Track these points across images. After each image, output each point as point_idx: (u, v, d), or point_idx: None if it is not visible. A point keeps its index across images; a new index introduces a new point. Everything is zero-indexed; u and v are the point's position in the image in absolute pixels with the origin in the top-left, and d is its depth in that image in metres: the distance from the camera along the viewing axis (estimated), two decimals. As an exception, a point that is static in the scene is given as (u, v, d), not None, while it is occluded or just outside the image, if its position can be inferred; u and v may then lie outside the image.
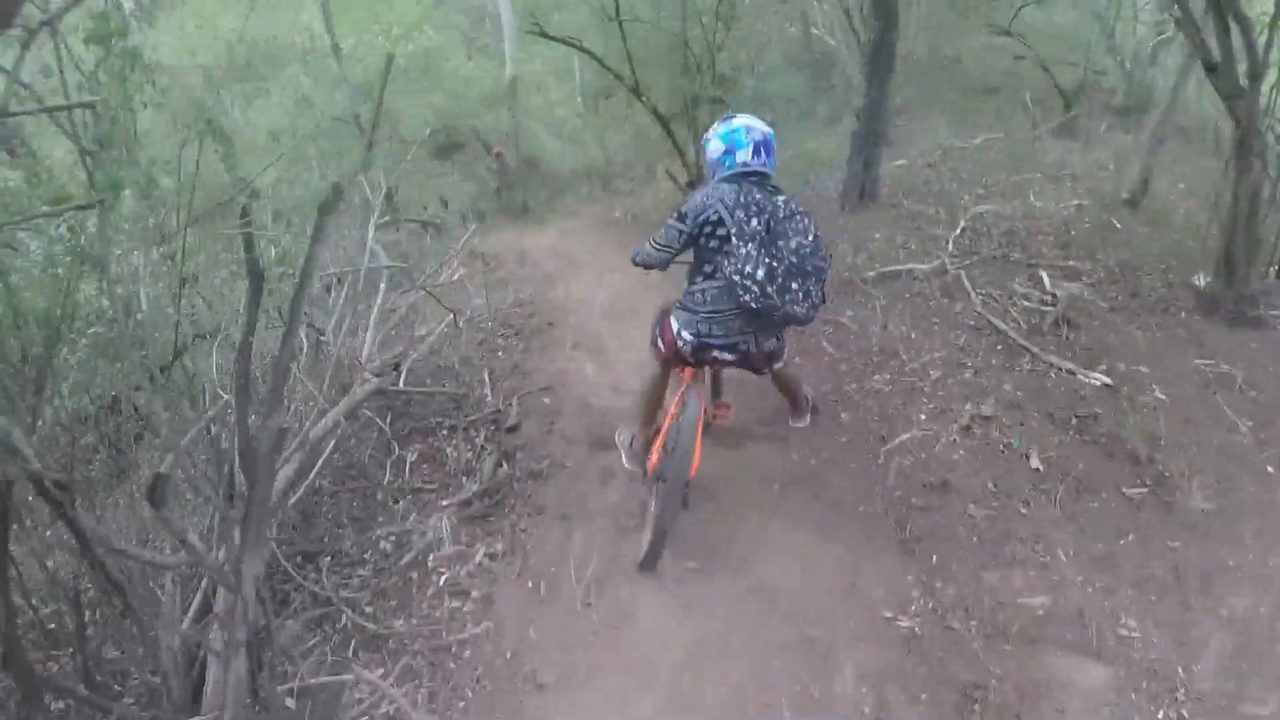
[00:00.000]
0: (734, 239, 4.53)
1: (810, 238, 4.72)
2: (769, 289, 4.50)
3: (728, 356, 5.05)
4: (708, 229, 4.72)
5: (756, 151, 4.83)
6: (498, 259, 12.50)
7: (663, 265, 5.03)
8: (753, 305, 4.55)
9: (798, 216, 4.77)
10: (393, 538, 6.28)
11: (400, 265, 9.71)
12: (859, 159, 11.75)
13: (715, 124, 5.06)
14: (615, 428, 6.77)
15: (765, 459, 6.94)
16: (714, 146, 4.97)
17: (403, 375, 8.11)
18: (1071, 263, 10.03)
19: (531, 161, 16.73)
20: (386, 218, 12.10)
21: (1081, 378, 8.05)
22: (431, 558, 6.09)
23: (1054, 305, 9.00)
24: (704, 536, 5.90)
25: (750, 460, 6.92)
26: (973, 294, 9.37)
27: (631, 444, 5.93)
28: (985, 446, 7.26)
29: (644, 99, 11.82)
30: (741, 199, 4.59)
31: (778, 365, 5.53)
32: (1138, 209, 11.45)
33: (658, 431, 5.46)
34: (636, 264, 5.15)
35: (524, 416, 8.24)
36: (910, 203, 11.97)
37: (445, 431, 8.06)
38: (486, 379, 8.83)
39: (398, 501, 6.73)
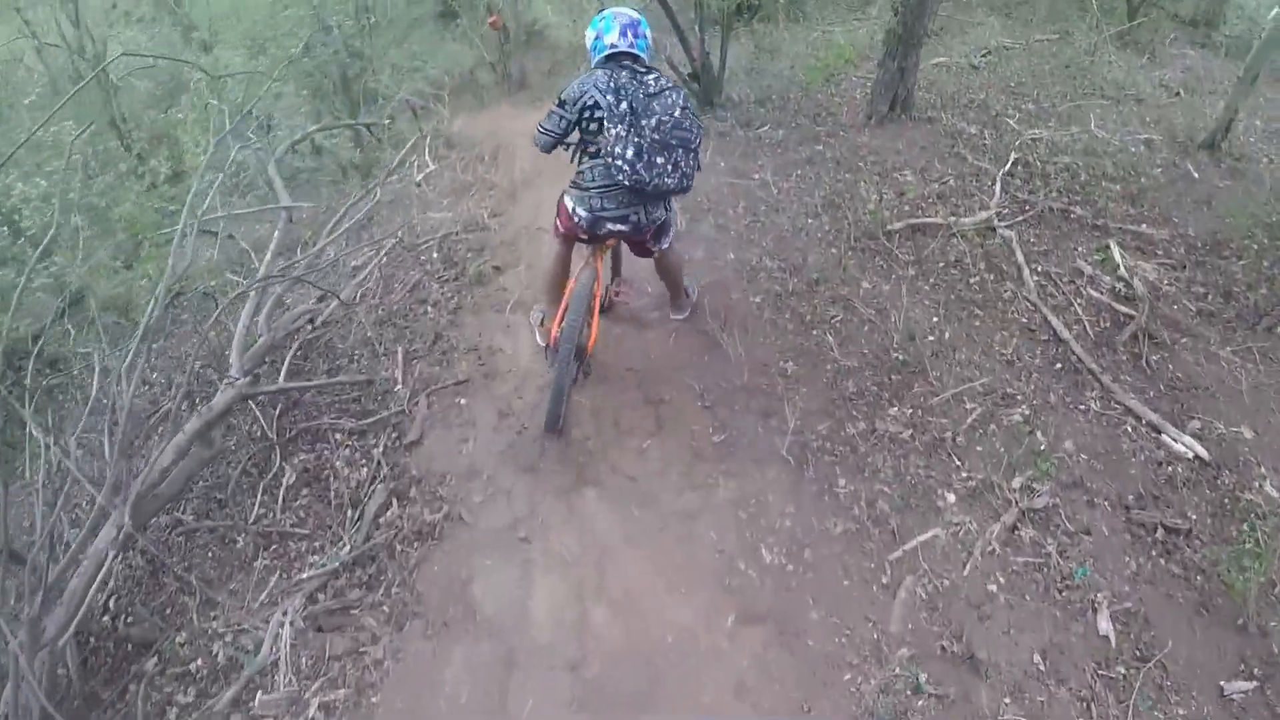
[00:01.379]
0: (605, 122, 4.22)
1: (676, 112, 4.22)
2: (638, 166, 4.24)
3: (621, 227, 4.68)
4: (586, 113, 4.36)
5: (623, 33, 4.38)
6: (473, 152, 9.29)
7: (547, 149, 4.61)
8: (625, 183, 4.31)
9: (665, 93, 4.27)
10: (230, 638, 4.48)
11: (299, 205, 6.53)
12: (894, 62, 8.69)
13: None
14: (541, 456, 5.23)
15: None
16: (589, 35, 4.49)
17: (283, 370, 5.83)
18: (1145, 228, 7.15)
19: (533, 32, 13.15)
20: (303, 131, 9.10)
21: (1169, 440, 5.33)
22: (258, 699, 4.20)
23: (1127, 297, 6.38)
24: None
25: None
26: (1026, 271, 6.57)
27: (543, 322, 5.61)
28: (1036, 575, 4.62)
29: None
30: (612, 83, 4.21)
31: (664, 245, 5.11)
32: (1217, 154, 8.38)
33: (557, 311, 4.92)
34: (537, 147, 4.63)
35: (430, 426, 5.65)
36: (949, 117, 8.82)
37: (339, 436, 5.62)
38: (400, 358, 6.16)
39: (260, 554, 4.93)
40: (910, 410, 5.28)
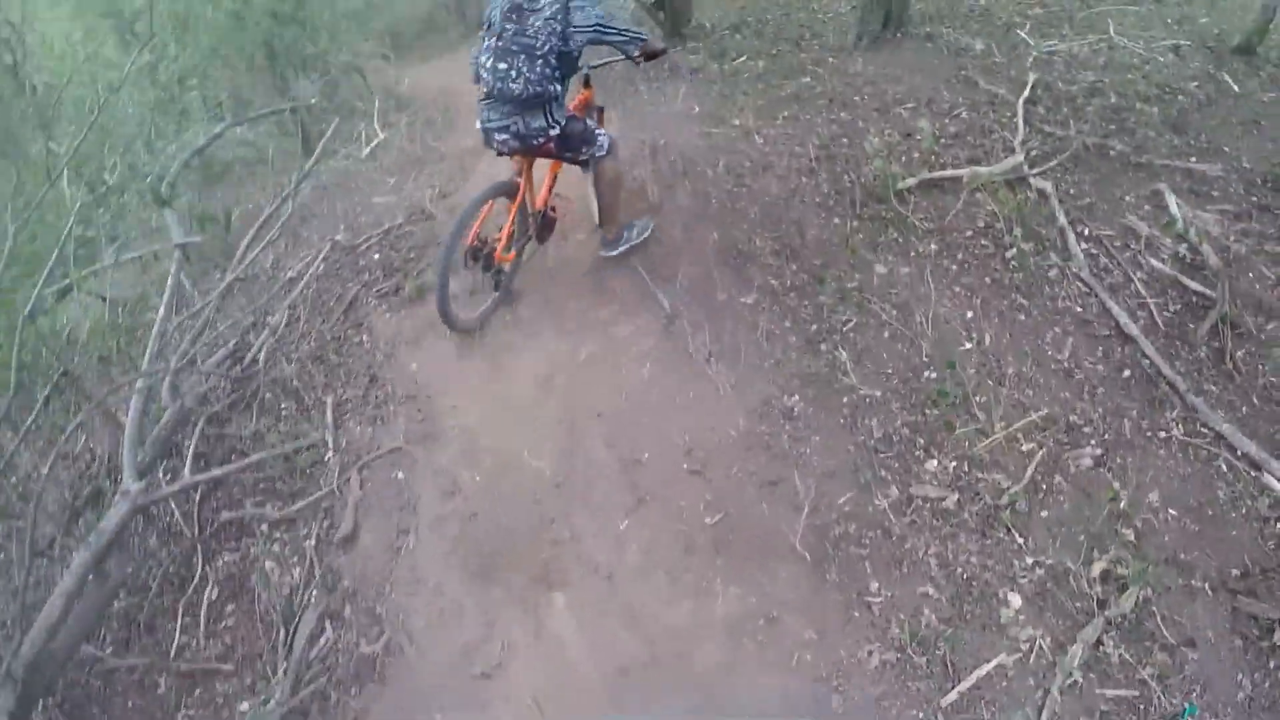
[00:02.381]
0: (483, 37, 4.06)
1: (533, 20, 3.90)
2: (488, 68, 4.00)
3: (505, 137, 4.19)
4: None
5: None
6: (424, 114, 7.41)
7: (474, 77, 4.25)
8: (484, 88, 4.09)
9: (541, 8, 3.92)
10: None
11: (192, 240, 4.78)
12: (884, -28, 6.36)
13: None
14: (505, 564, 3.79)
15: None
16: None
17: (188, 454, 4.36)
18: (1195, 162, 5.38)
19: None
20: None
21: (1272, 482, 3.76)
22: None
23: (1195, 266, 4.69)
24: None
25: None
26: (1071, 236, 4.87)
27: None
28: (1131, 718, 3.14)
29: None
30: (500, 9, 3.96)
31: (583, 155, 4.47)
32: (1254, 61, 6.52)
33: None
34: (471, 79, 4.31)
35: (365, 513, 4.19)
36: (950, 31, 6.98)
37: (265, 529, 4.24)
38: (329, 412, 4.67)
39: (184, 701, 3.70)
40: (954, 463, 3.70)
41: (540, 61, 3.98)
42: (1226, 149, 5.53)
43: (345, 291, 5.39)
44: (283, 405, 4.74)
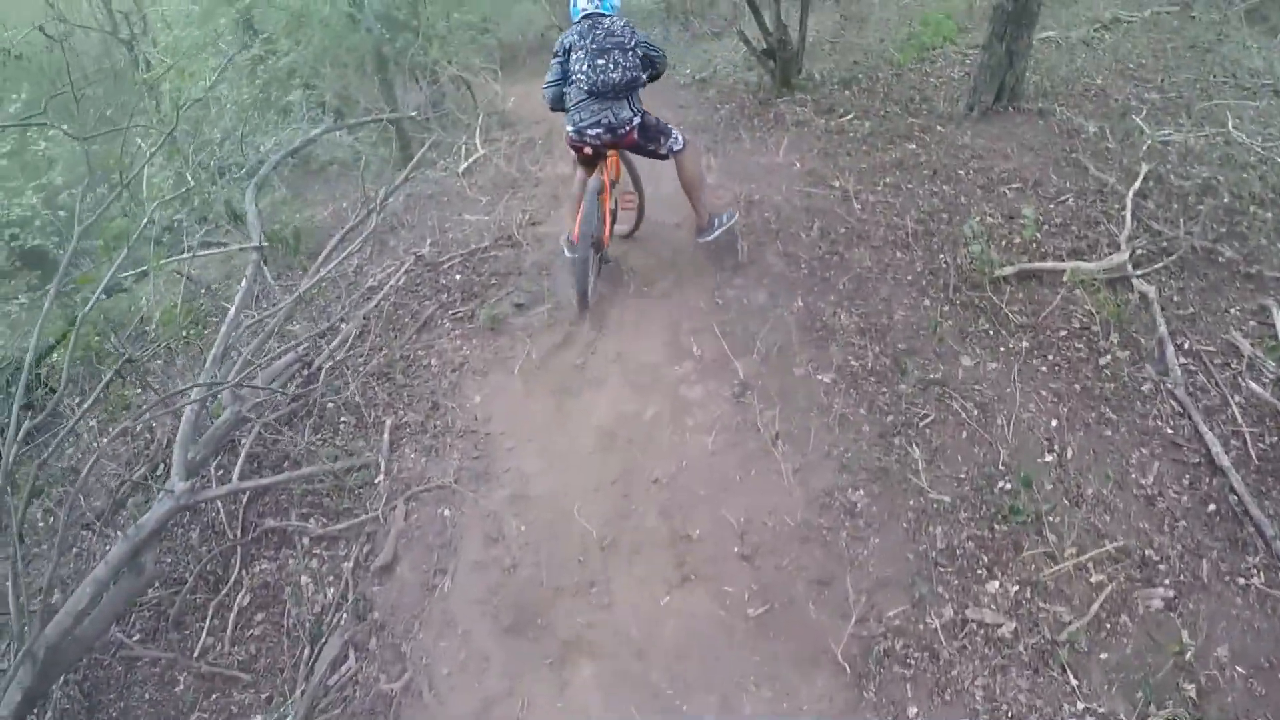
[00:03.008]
0: (574, 54, 4.61)
1: (617, 29, 4.60)
2: (588, 71, 4.56)
3: (598, 130, 4.69)
4: (565, 55, 4.68)
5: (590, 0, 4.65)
6: (525, 135, 7.19)
7: (554, 101, 4.84)
8: (584, 86, 4.60)
9: (618, 27, 4.61)
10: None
11: (261, 245, 4.63)
12: (1001, 44, 6.37)
13: None
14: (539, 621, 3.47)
15: None
16: (571, 7, 4.77)
17: (240, 457, 4.21)
18: None
19: None
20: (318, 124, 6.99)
21: None
22: None
23: None
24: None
25: None
26: (1170, 348, 4.34)
27: (568, 238, 5.01)
28: None
29: None
30: (583, 30, 4.60)
31: (663, 149, 4.92)
32: None
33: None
34: (547, 103, 4.92)
35: (406, 545, 3.91)
36: (1065, 110, 6.43)
37: (306, 543, 3.99)
38: (386, 434, 4.41)
39: (199, 703, 3.49)
40: (1016, 587, 3.28)
41: (631, 53, 4.59)
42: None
43: (422, 309, 5.17)
44: (342, 419, 4.53)
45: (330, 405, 4.51)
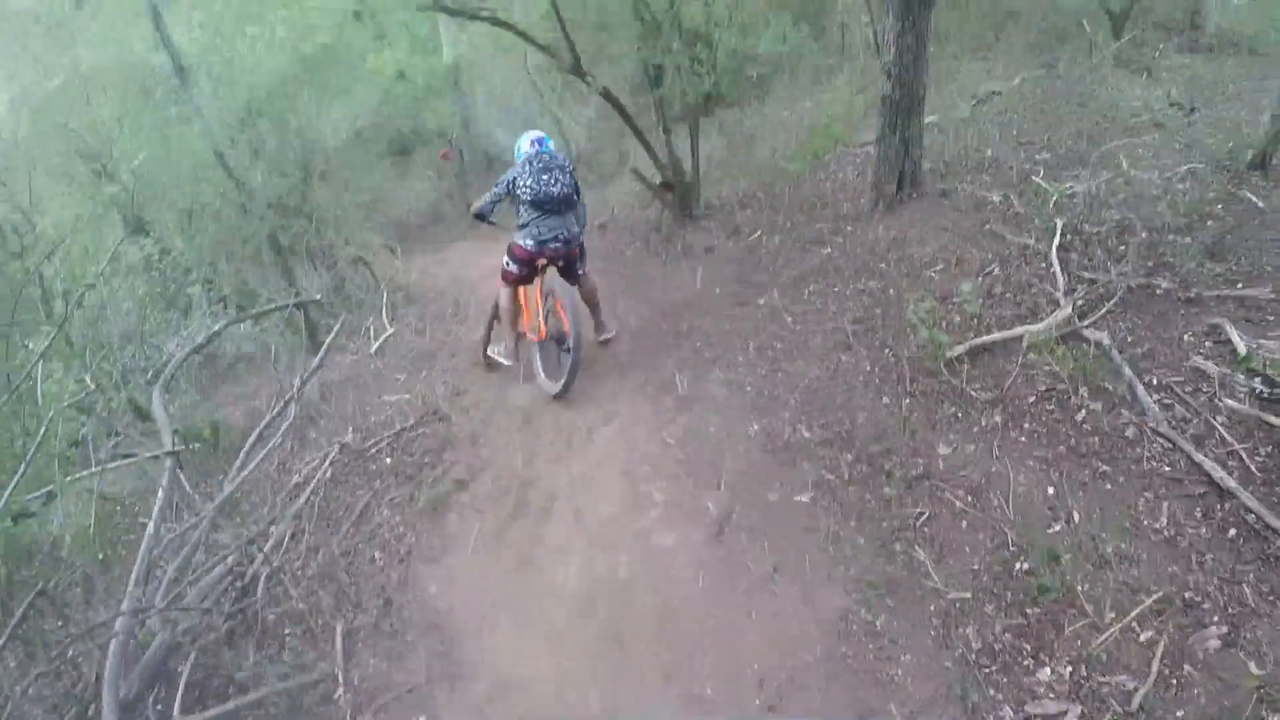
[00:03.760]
0: (519, 178, 5.46)
1: (557, 157, 5.60)
2: (532, 183, 5.41)
3: (558, 244, 5.50)
4: (514, 186, 5.51)
5: (532, 143, 5.65)
6: (434, 306, 7.13)
7: (484, 207, 5.70)
8: (528, 198, 5.42)
9: (558, 156, 5.62)
10: None
11: (182, 448, 4.38)
12: (894, 134, 6.66)
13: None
14: None
15: None
16: (516, 153, 5.72)
17: (178, 696, 3.69)
18: (1243, 289, 4.94)
19: (487, 158, 10.96)
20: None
21: None
22: None
23: (1273, 400, 4.11)
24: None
25: None
26: (1140, 388, 4.37)
27: (505, 350, 6.01)
28: None
29: (588, 79, 6.24)
30: (530, 157, 5.51)
31: (583, 269, 5.78)
32: (1271, 172, 6.18)
33: (521, 334, 5.88)
34: (472, 214, 5.79)
35: None
36: (964, 185, 6.51)
37: None
38: (338, 641, 4.12)
39: None
40: (1069, 668, 3.14)
41: (569, 174, 5.48)
42: (1270, 269, 5.10)
43: (355, 500, 4.97)
44: (287, 631, 4.23)
45: (271, 617, 4.22)
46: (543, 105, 10.37)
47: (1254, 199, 5.86)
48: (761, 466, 4.32)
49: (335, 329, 6.04)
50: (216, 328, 6.15)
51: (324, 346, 5.79)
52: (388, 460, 5.33)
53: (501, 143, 11.03)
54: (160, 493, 4.35)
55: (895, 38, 6.22)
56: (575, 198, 5.52)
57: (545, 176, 5.38)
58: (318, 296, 7.54)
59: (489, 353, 6.23)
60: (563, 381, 5.49)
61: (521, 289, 5.82)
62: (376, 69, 9.07)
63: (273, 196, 8.09)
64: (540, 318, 5.67)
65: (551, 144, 5.69)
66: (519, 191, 5.45)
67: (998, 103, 8.60)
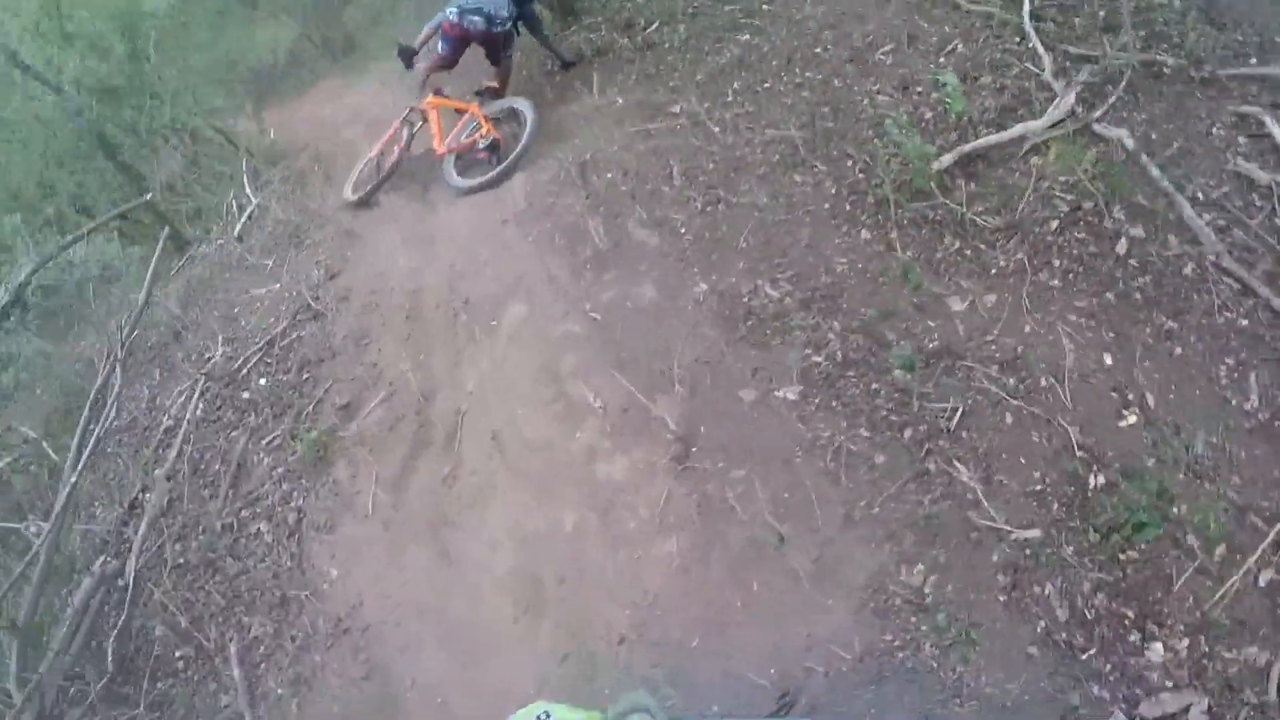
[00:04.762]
0: None
1: None
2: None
3: (478, 18, 4.83)
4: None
5: None
6: (298, 163, 5.45)
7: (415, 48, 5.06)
8: None
9: None
10: None
11: None
12: None
13: None
14: None
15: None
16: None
17: None
18: (1256, 64, 3.70)
19: None
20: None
21: None
22: None
23: None
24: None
25: None
26: (1186, 207, 3.16)
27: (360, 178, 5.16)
28: None
29: None
30: None
31: (505, 56, 5.10)
32: None
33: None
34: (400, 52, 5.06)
35: None
36: None
37: None
38: (235, 664, 2.92)
39: None
40: (1185, 641, 2.00)
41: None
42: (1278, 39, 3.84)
43: (230, 447, 3.53)
44: (177, 653, 2.92)
45: (159, 633, 2.83)
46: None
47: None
48: (723, 347, 2.99)
49: (153, 263, 4.26)
50: (27, 272, 4.33)
51: (149, 273, 4.07)
52: (261, 382, 3.89)
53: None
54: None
55: None
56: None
57: None
58: (147, 196, 5.60)
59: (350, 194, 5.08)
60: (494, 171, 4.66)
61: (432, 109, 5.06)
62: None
63: (94, 83, 6.19)
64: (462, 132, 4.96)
65: None
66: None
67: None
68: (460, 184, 4.75)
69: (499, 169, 4.65)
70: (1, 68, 5.96)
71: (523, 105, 4.90)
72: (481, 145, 4.85)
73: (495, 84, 5.22)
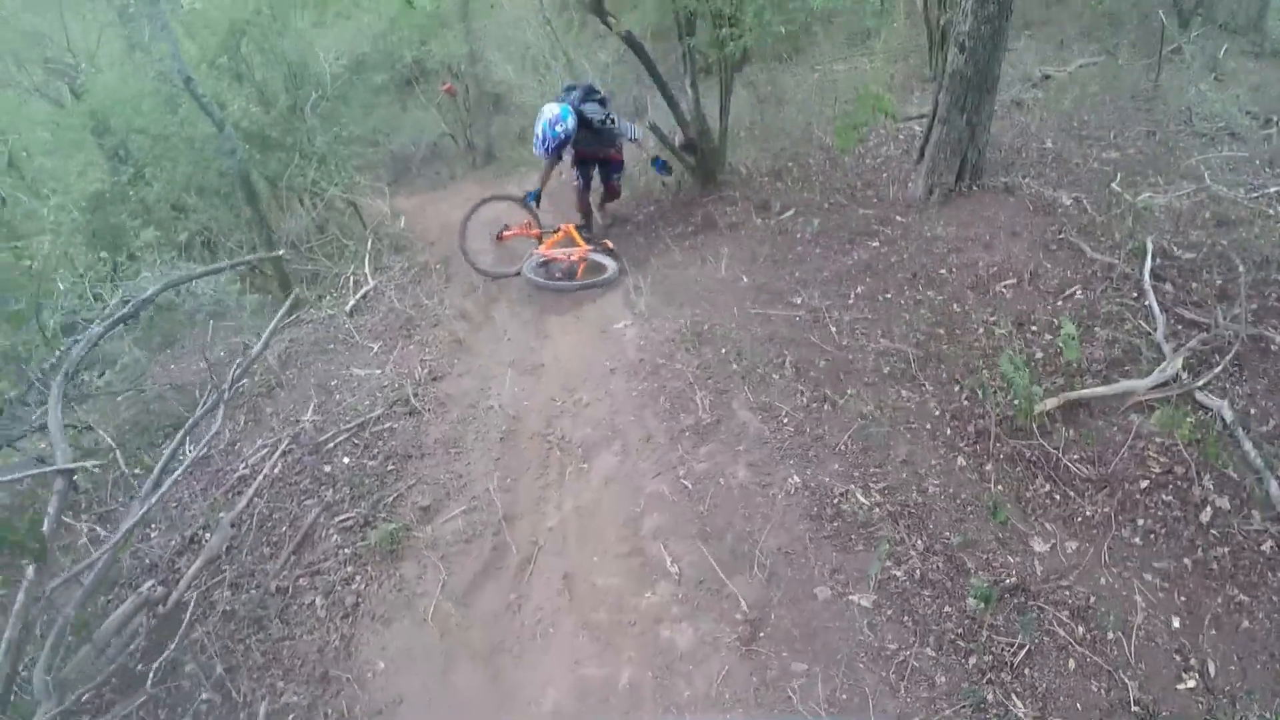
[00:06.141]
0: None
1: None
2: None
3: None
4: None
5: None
6: (422, 258, 5.91)
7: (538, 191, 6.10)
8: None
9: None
10: None
11: (78, 466, 3.06)
12: (961, 116, 5.45)
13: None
14: None
15: None
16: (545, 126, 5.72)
17: None
18: None
19: (493, 96, 9.49)
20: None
21: None
22: None
23: None
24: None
25: None
26: (1274, 485, 3.20)
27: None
28: None
29: (610, 20, 4.98)
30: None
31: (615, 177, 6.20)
32: None
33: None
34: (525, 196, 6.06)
35: None
36: (1030, 182, 5.29)
37: None
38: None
39: None
40: None
41: (609, 109, 5.86)
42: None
43: (301, 514, 3.83)
44: (203, 697, 3.09)
45: (189, 669, 3.05)
46: (555, 45, 8.88)
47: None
48: (806, 542, 3.16)
49: (276, 317, 4.71)
50: (150, 292, 4.80)
51: (272, 324, 4.49)
52: (345, 461, 4.15)
53: (507, 80, 9.55)
54: (47, 519, 3.11)
55: (975, 6, 4.90)
56: (608, 119, 5.80)
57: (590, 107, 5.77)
58: (280, 252, 6.15)
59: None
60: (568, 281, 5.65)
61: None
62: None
63: (253, 127, 6.64)
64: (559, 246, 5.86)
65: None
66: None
67: (1053, 88, 7.27)
68: (532, 274, 5.58)
69: (563, 283, 5.56)
70: (174, 89, 6.55)
71: (610, 264, 5.57)
72: (562, 265, 5.79)
73: (607, 243, 6.05)
